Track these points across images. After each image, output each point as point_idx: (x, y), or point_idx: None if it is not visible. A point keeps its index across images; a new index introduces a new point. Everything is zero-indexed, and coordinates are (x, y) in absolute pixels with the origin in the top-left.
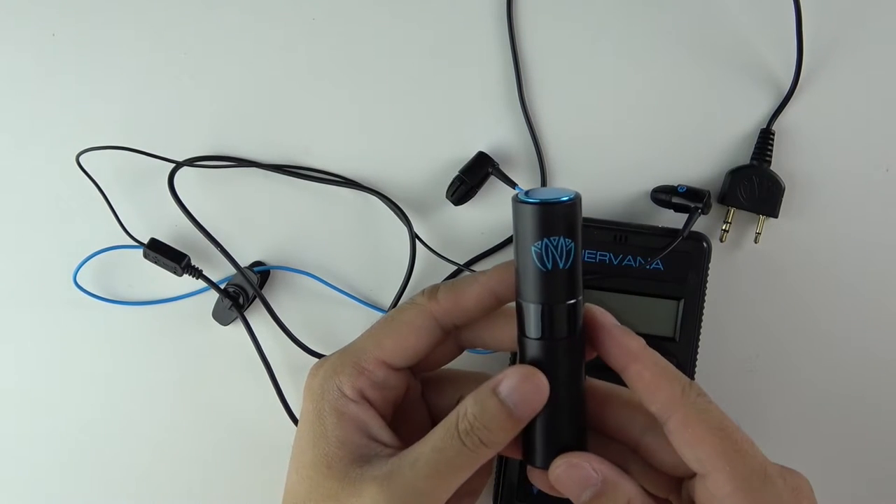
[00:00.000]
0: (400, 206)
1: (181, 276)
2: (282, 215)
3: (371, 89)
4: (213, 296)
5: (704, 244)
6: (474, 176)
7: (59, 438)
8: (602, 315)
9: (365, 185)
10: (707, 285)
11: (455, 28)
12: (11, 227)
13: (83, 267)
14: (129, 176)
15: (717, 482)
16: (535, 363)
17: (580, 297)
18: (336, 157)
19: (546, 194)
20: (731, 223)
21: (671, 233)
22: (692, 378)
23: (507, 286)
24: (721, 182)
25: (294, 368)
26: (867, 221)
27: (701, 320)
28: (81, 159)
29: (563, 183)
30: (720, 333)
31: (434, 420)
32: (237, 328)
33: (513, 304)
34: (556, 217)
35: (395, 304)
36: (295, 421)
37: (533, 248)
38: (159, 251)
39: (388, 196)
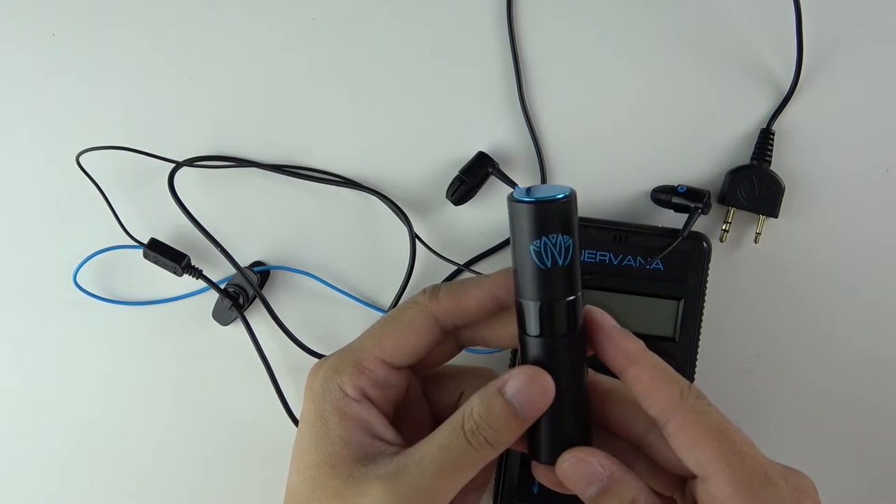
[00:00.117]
0: (400, 206)
1: (181, 276)
2: (282, 215)
3: (371, 89)
4: (213, 296)
5: (704, 244)
6: (474, 176)
7: (60, 438)
8: (601, 316)
9: (365, 185)
10: (707, 285)
11: (455, 28)
12: (11, 227)
13: (83, 267)
14: (129, 176)
15: (718, 485)
16: (537, 361)
17: (579, 294)
18: (336, 157)
19: (541, 192)
20: (731, 223)
21: (671, 233)
22: (692, 378)
23: (510, 291)
24: (721, 182)
25: (294, 368)
26: (867, 221)
27: (701, 320)
28: (81, 159)
29: (564, 183)
30: (720, 333)
31: (435, 416)
32: (237, 328)
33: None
34: (553, 215)
35: (395, 304)
36: (295, 421)
37: (532, 247)
38: (159, 251)
39: (388, 196)
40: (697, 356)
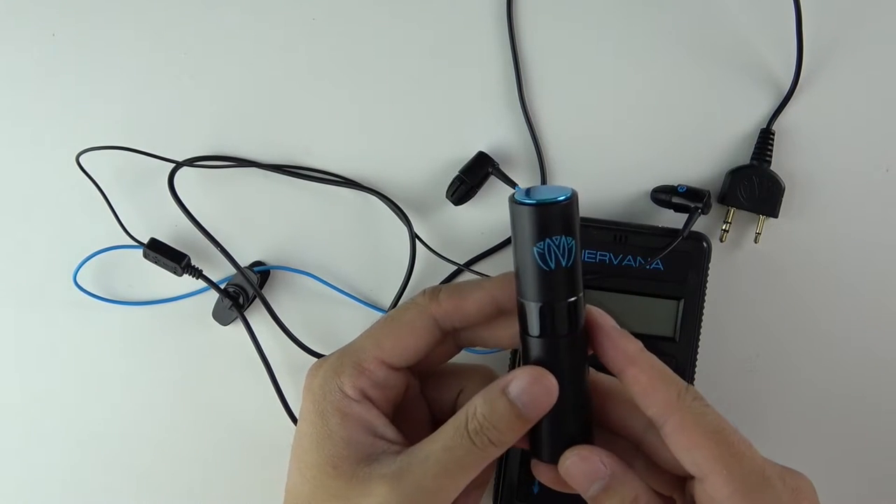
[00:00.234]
0: (400, 206)
1: (181, 276)
2: (282, 215)
3: (371, 89)
4: (213, 296)
5: (704, 244)
6: (474, 176)
7: (59, 438)
8: (601, 316)
9: (365, 185)
10: (707, 285)
11: (455, 28)
12: (11, 227)
13: (83, 267)
14: (129, 176)
15: (715, 485)
16: (539, 361)
17: (581, 294)
18: (336, 157)
19: (543, 193)
20: (731, 223)
21: (671, 233)
22: (692, 378)
23: (510, 296)
24: (721, 182)
25: (294, 368)
26: (867, 221)
27: (701, 320)
28: (81, 159)
29: (564, 183)
30: (720, 333)
31: (434, 415)
32: (237, 328)
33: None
34: (555, 216)
35: (395, 304)
36: (295, 421)
37: (535, 249)
38: (159, 251)
39: (388, 196)
40: (697, 356)
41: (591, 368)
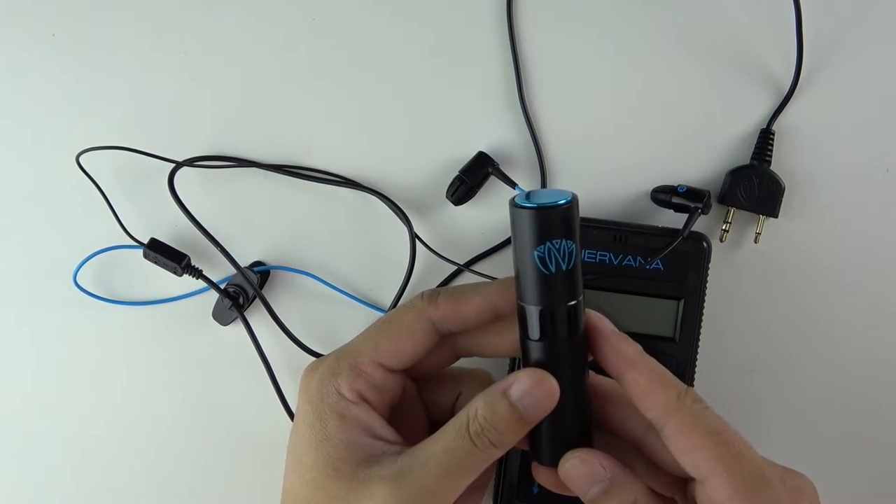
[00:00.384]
0: (400, 206)
1: (181, 276)
2: (282, 215)
3: (371, 89)
4: (213, 296)
5: (704, 244)
6: (474, 176)
7: (59, 438)
8: (599, 320)
9: (365, 185)
10: (707, 285)
11: (455, 28)
12: (12, 227)
13: (83, 267)
14: (129, 176)
15: (716, 487)
16: (540, 364)
17: (581, 297)
18: (336, 157)
19: (543, 197)
20: (731, 223)
21: (671, 233)
22: (692, 378)
23: (508, 301)
24: (721, 182)
25: (294, 368)
26: (867, 221)
27: (701, 320)
28: (81, 159)
29: (564, 183)
30: (720, 333)
31: (431, 418)
32: (237, 328)
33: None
34: (556, 220)
35: (394, 304)
36: None
37: (535, 253)
38: (159, 251)
39: (388, 196)
40: (697, 356)
41: (591, 371)
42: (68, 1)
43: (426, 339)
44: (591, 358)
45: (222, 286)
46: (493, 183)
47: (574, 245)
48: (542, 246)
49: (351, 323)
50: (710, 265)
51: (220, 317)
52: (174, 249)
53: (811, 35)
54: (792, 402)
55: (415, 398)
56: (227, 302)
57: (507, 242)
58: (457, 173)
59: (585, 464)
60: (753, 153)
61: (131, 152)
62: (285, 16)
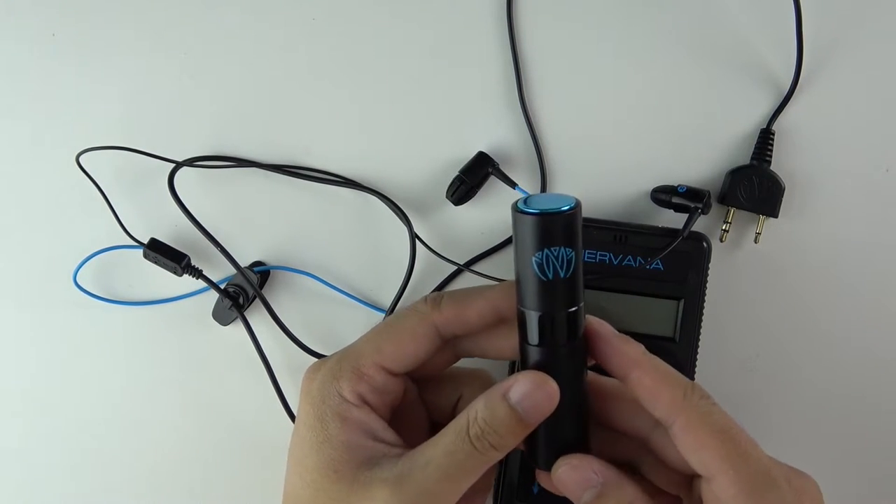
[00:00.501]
0: (400, 206)
1: (181, 276)
2: (282, 215)
3: (371, 89)
4: (213, 296)
5: (704, 244)
6: (474, 176)
7: (59, 438)
8: (600, 325)
9: (365, 185)
10: (707, 285)
11: (455, 28)
12: (12, 227)
13: (83, 267)
14: (129, 176)
15: (722, 485)
16: (538, 369)
17: (581, 304)
18: (336, 157)
19: (546, 202)
20: (731, 223)
21: (671, 233)
22: (692, 378)
23: (512, 305)
24: (721, 182)
25: (294, 368)
26: (867, 221)
27: (701, 320)
28: (81, 159)
29: (564, 182)
30: (720, 333)
31: (432, 419)
32: (237, 328)
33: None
34: (556, 227)
35: (395, 304)
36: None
37: (534, 259)
38: (159, 251)
39: (388, 196)
40: (697, 356)
41: (594, 372)
42: (68, 1)
43: (429, 342)
44: (592, 362)
45: (222, 286)
46: (493, 183)
47: (574, 253)
48: (541, 253)
49: (351, 323)
50: (710, 265)
51: (220, 317)
52: (174, 249)
53: (811, 35)
54: (792, 402)
55: (416, 400)
56: (227, 302)
57: (507, 242)
58: (457, 173)
59: (576, 470)
60: (753, 153)
61: (131, 152)
62: (285, 16)
